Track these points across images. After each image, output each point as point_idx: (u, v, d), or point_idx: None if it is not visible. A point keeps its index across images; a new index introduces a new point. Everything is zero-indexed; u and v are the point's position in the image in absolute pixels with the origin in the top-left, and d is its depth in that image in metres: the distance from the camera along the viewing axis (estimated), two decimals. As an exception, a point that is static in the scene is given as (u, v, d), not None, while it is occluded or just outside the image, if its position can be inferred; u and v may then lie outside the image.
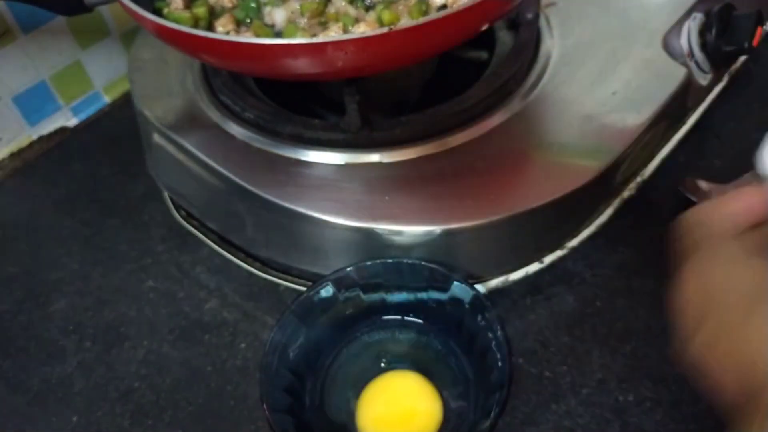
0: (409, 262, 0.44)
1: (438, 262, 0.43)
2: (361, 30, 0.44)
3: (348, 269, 0.44)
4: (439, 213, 0.44)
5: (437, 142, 0.47)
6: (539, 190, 0.45)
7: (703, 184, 0.52)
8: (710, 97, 0.59)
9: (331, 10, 0.47)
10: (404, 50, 0.40)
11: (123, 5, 0.43)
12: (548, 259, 0.49)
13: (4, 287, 0.54)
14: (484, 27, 0.43)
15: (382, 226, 0.44)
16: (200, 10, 0.48)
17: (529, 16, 0.54)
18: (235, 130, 0.50)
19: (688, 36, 0.55)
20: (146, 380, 0.47)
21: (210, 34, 0.40)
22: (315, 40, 0.38)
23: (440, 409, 0.42)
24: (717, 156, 0.57)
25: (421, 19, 0.37)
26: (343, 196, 0.45)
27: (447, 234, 0.44)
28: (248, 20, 0.49)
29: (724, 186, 0.52)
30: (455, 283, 0.43)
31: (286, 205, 0.45)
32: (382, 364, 0.45)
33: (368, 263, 0.44)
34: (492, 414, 0.37)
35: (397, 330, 0.47)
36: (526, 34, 0.54)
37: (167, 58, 0.58)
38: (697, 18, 0.55)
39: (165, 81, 0.56)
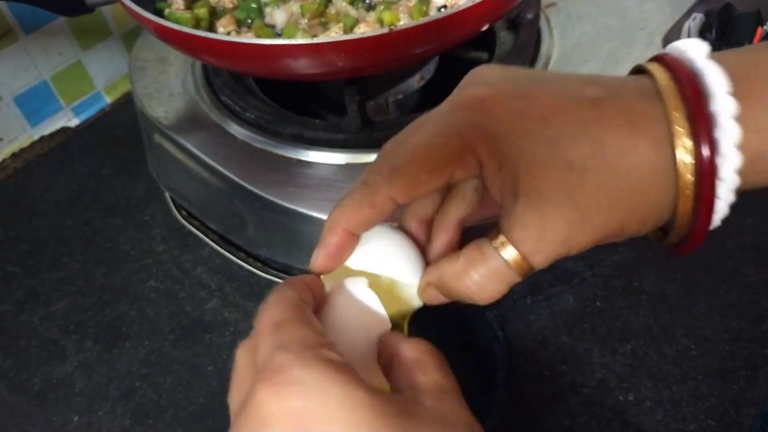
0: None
1: (438, 262, 0.43)
2: (362, 30, 0.44)
3: (348, 269, 0.44)
4: (440, 213, 0.44)
5: (437, 142, 0.47)
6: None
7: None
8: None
9: (331, 10, 0.47)
10: (404, 50, 0.40)
11: (124, 6, 0.43)
12: (548, 259, 0.49)
13: (6, 287, 0.54)
14: (484, 27, 0.43)
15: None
16: (201, 11, 0.48)
17: (529, 16, 0.54)
18: (236, 130, 0.50)
19: (689, 36, 0.55)
20: (147, 380, 0.47)
21: (211, 35, 0.40)
22: (315, 40, 0.38)
23: None
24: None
25: (422, 20, 0.37)
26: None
27: (447, 234, 0.44)
28: (249, 21, 0.49)
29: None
30: (455, 282, 0.43)
31: (287, 205, 0.45)
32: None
33: (369, 263, 0.44)
34: (492, 413, 0.37)
35: (398, 329, 0.47)
36: (526, 34, 0.54)
37: (168, 58, 0.58)
38: (697, 18, 0.55)
39: (166, 81, 0.56)
